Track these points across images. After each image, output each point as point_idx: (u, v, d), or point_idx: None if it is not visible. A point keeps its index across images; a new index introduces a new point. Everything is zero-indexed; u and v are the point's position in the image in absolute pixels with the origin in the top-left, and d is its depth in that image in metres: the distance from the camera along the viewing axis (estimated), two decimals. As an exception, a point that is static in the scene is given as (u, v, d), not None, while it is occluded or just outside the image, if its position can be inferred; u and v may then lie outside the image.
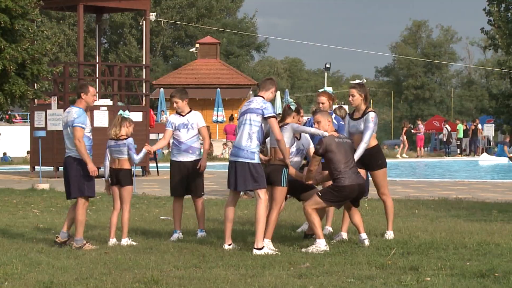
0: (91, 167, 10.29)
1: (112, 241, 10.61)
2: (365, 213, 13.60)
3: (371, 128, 10.34)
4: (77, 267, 8.78)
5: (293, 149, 10.39)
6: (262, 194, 9.78)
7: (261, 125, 9.88)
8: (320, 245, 9.66)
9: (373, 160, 10.46)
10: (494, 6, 41.95)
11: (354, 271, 8.33)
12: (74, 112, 10.38)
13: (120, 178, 10.70)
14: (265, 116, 9.81)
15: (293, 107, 10.28)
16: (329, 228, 11.38)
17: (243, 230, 11.48)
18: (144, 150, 10.87)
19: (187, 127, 11.10)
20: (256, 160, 9.80)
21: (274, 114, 9.86)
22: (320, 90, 11.21)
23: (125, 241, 10.55)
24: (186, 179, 11.11)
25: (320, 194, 9.89)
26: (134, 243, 10.51)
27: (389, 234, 10.61)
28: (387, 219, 10.71)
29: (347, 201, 10.04)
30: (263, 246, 9.63)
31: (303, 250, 9.70)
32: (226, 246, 9.90)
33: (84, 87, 10.56)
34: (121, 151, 10.68)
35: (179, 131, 11.10)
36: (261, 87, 10.14)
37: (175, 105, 11.21)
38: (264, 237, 9.75)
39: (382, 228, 11.17)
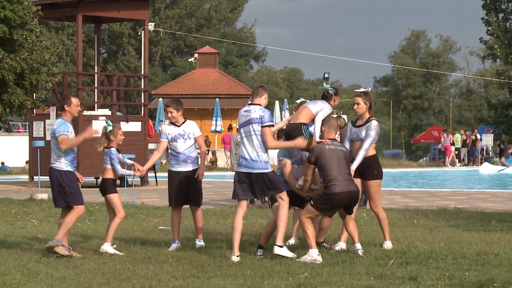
0: (89, 131, 10.38)
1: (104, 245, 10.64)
2: (364, 223, 13.59)
3: (372, 136, 10.35)
4: (76, 277, 8.76)
5: (297, 158, 10.48)
6: (284, 196, 9.93)
7: None
8: (313, 254, 9.67)
9: (369, 169, 10.42)
10: (493, 16, 42.03)
11: (353, 281, 8.31)
12: (56, 123, 10.55)
13: (102, 188, 10.80)
14: (262, 125, 9.87)
15: (331, 92, 10.56)
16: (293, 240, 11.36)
17: (242, 240, 11.45)
18: (130, 172, 10.92)
19: (183, 138, 11.10)
20: (270, 169, 9.96)
21: (270, 123, 9.93)
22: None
23: (107, 245, 10.54)
24: (185, 188, 11.12)
25: (312, 203, 9.92)
26: (118, 253, 10.48)
27: (387, 244, 10.59)
28: (383, 230, 10.69)
29: (339, 209, 10.05)
30: (283, 245, 9.80)
31: (297, 259, 9.71)
32: (234, 258, 9.85)
33: (67, 99, 10.65)
34: (104, 160, 10.74)
35: (176, 141, 11.09)
36: (255, 94, 10.18)
37: (170, 115, 11.20)
38: None
39: (380, 238, 11.13)
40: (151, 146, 28.76)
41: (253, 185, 9.91)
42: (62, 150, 10.38)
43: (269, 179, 9.87)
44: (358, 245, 10.09)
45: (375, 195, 10.50)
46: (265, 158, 9.91)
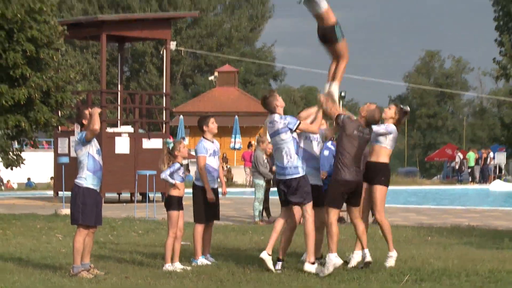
0: (95, 109, 10.10)
1: (167, 266, 10.68)
2: (379, 239, 13.72)
3: (381, 128, 10.33)
4: (100, 291, 8.93)
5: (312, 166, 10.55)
6: (309, 209, 10.00)
7: (294, 138, 10.10)
8: (332, 258, 9.87)
9: (376, 175, 10.30)
10: (506, 36, 42.19)
11: (368, 297, 8.48)
12: (78, 134, 10.29)
13: (166, 204, 10.84)
14: (292, 129, 10.04)
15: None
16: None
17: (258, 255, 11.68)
18: (172, 181, 10.71)
19: (216, 154, 11.22)
20: (301, 173, 10.04)
21: (298, 122, 10.07)
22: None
23: (170, 266, 10.54)
24: (215, 205, 11.29)
25: (325, 202, 10.10)
26: (186, 268, 10.55)
27: (392, 255, 10.50)
28: (387, 240, 10.52)
29: (345, 199, 10.11)
30: (315, 262, 9.95)
31: (317, 274, 9.86)
32: (278, 266, 10.13)
33: (82, 114, 10.33)
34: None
35: (213, 157, 11.16)
36: (268, 106, 10.29)
37: (213, 130, 11.17)
38: None
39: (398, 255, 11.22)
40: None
41: (287, 191, 10.02)
42: (89, 138, 10.04)
43: (301, 184, 9.96)
44: (366, 251, 10.26)
45: (379, 202, 10.31)
46: (295, 164, 10.01)
